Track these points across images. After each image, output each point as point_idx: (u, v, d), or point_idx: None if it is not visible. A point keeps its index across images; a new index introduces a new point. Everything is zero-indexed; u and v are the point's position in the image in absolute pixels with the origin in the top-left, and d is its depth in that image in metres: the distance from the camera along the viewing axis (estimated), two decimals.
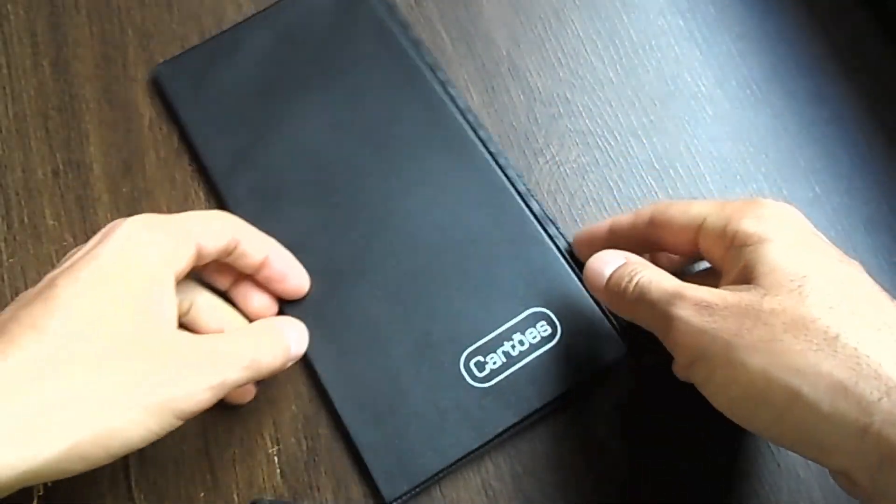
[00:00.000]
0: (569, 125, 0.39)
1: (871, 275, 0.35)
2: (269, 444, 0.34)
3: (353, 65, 0.39)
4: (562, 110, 0.39)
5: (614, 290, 0.29)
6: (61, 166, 0.39)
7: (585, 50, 0.41)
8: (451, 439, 0.32)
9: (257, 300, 0.33)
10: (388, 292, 0.34)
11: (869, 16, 0.40)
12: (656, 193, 0.37)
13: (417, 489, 0.32)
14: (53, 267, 0.37)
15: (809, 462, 0.33)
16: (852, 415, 0.22)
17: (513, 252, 0.34)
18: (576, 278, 0.34)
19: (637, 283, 0.28)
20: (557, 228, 0.35)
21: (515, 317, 0.33)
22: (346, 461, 0.34)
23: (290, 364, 0.31)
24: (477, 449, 0.32)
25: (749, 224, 0.26)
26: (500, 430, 0.32)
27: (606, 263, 0.30)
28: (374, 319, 0.34)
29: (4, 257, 0.38)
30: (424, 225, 0.35)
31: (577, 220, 0.37)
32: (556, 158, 0.38)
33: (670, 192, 0.37)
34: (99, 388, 0.25)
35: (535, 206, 0.35)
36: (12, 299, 0.36)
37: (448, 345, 0.33)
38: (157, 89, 0.40)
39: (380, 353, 0.33)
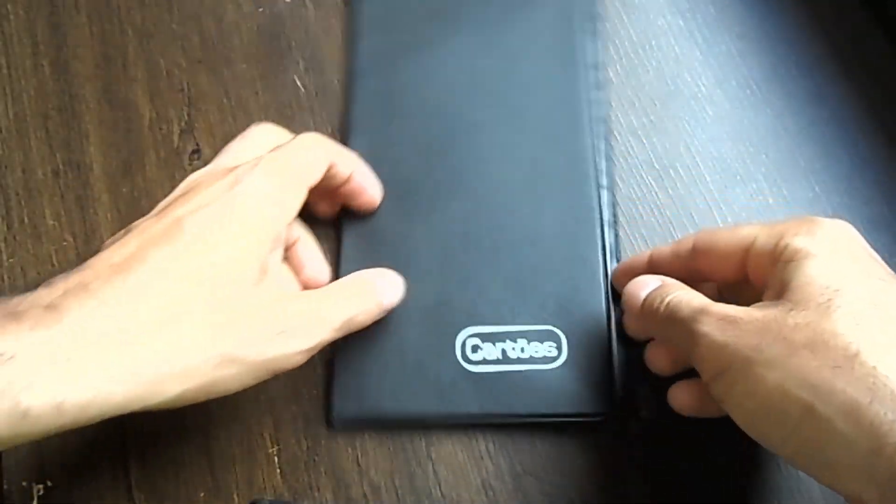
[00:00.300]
0: None
1: None
2: (269, 444, 0.34)
3: (526, 30, 0.39)
4: None
5: (648, 310, 0.29)
6: (61, 166, 0.39)
7: None
8: (414, 395, 0.33)
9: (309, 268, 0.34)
10: (439, 241, 0.35)
11: (869, 16, 0.40)
12: (656, 193, 0.37)
13: (363, 422, 0.33)
14: (53, 267, 0.38)
15: None
16: (864, 434, 0.22)
17: (565, 270, 0.34)
18: (605, 322, 0.33)
19: (668, 303, 0.28)
20: (616, 263, 0.35)
21: (531, 325, 0.33)
22: (346, 461, 0.34)
23: (383, 315, 0.32)
24: (432, 417, 0.33)
25: (800, 240, 0.26)
26: (459, 412, 0.33)
27: (643, 286, 0.30)
28: (412, 254, 0.35)
29: (4, 257, 0.38)
30: (504, 202, 0.36)
31: None
32: None
33: (670, 191, 0.37)
34: (211, 343, 0.26)
35: (610, 239, 0.35)
36: None
37: (458, 314, 0.34)
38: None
39: None
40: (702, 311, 0.26)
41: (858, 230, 0.36)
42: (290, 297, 0.30)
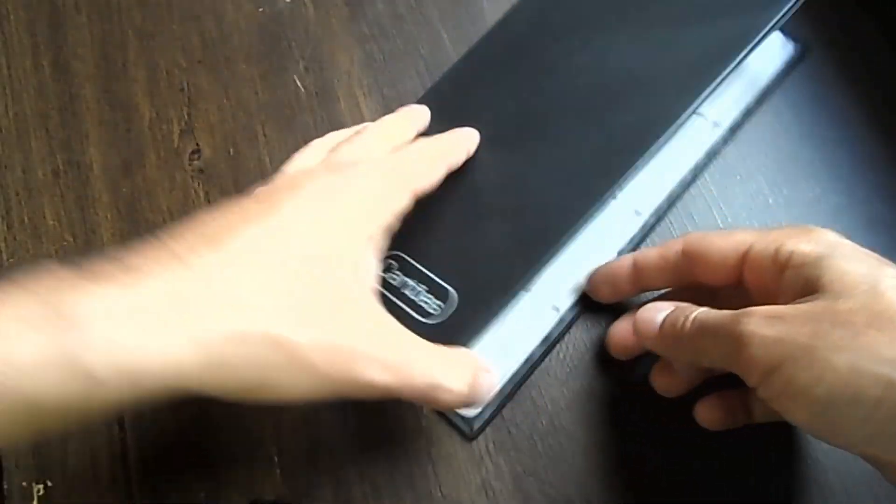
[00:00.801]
0: None
1: None
2: (269, 444, 0.34)
3: (667, 38, 0.36)
4: None
5: (669, 332, 0.29)
6: (61, 166, 0.39)
7: None
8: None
9: None
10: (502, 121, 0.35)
11: (869, 16, 0.40)
12: None
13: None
14: None
15: (810, 461, 0.33)
16: None
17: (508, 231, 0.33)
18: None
19: (694, 319, 0.27)
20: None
21: (436, 275, 0.33)
22: (347, 461, 0.34)
23: (460, 407, 0.30)
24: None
25: (804, 245, 0.26)
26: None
27: (658, 310, 0.30)
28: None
29: (4, 257, 0.38)
30: (585, 76, 0.35)
31: None
32: None
33: None
34: (295, 325, 0.24)
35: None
36: None
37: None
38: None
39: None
40: (743, 314, 0.25)
41: (858, 230, 0.36)
42: (382, 315, 0.27)
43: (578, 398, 0.34)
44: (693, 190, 0.37)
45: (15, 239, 0.38)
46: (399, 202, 0.29)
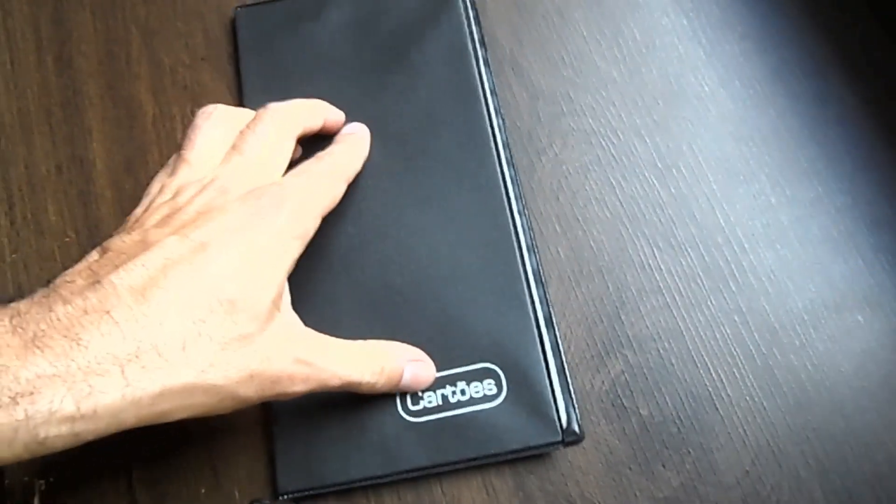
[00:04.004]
0: (572, 124, 0.39)
1: (873, 275, 0.35)
2: (269, 440, 0.34)
3: (418, 67, 0.38)
4: (565, 109, 0.39)
5: None
6: (64, 162, 0.39)
7: (589, 49, 0.41)
8: (359, 459, 0.32)
9: None
10: (362, 296, 0.34)
11: (873, 16, 0.40)
12: (658, 192, 0.37)
13: (311, 492, 0.32)
14: (56, 263, 0.38)
15: (810, 461, 0.33)
16: None
17: (491, 302, 0.34)
18: (539, 350, 0.33)
19: None
20: (545, 293, 0.34)
21: (468, 365, 0.33)
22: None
23: (394, 391, 0.32)
24: (379, 477, 0.32)
25: None
26: (406, 467, 0.32)
27: None
28: (338, 318, 0.33)
29: (7, 253, 0.38)
30: (421, 244, 0.35)
31: (580, 218, 0.37)
32: (559, 157, 0.38)
33: (672, 190, 0.37)
34: (235, 360, 0.26)
35: (533, 264, 0.34)
36: (15, 295, 0.36)
37: None
38: (233, 31, 0.41)
39: None
40: None
41: (861, 230, 0.36)
42: (298, 341, 0.29)
43: (578, 396, 0.34)
44: (695, 190, 0.37)
45: (18, 235, 0.38)
46: (309, 229, 0.31)
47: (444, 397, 0.32)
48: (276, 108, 0.33)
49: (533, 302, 0.34)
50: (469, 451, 0.32)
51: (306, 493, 0.32)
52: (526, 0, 0.42)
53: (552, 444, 0.32)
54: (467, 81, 0.38)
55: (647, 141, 0.38)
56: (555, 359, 0.33)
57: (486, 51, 0.39)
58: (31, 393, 0.22)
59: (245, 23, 0.41)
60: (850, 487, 0.32)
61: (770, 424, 0.33)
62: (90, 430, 0.24)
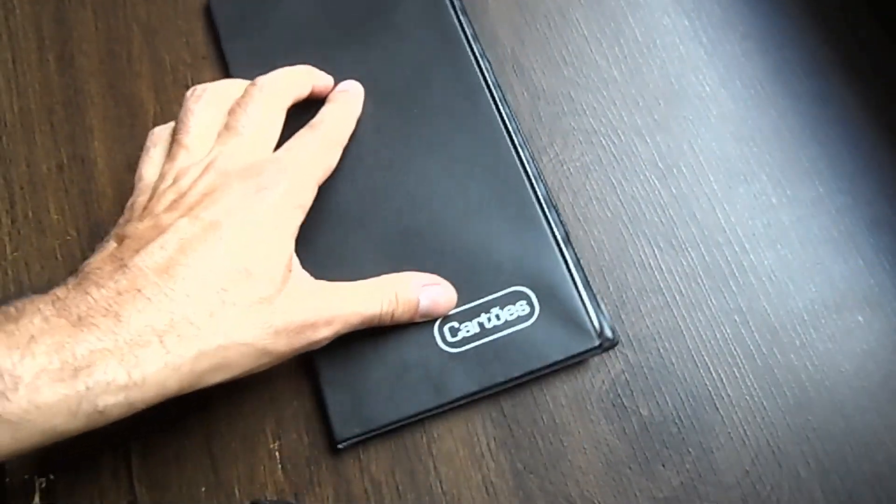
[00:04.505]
0: (573, 123, 0.39)
1: (873, 275, 0.35)
2: (270, 439, 0.34)
3: (397, 22, 0.39)
4: (566, 108, 0.39)
5: None
6: (66, 161, 0.39)
7: (590, 48, 0.41)
8: (410, 394, 0.33)
9: None
10: (383, 245, 0.35)
11: (874, 16, 0.40)
12: (659, 192, 0.37)
13: (368, 434, 0.33)
14: (57, 261, 0.38)
15: (810, 461, 0.33)
16: None
17: (509, 229, 0.35)
18: (563, 265, 0.34)
19: None
20: (558, 215, 0.36)
21: (498, 291, 0.34)
22: (348, 457, 0.34)
23: (426, 318, 0.34)
24: (432, 409, 0.33)
25: None
26: (457, 395, 0.33)
27: None
28: (364, 268, 0.34)
29: (9, 251, 0.38)
30: (431, 188, 0.36)
31: (581, 218, 0.37)
32: (560, 157, 0.38)
33: (673, 190, 0.37)
34: (259, 324, 0.28)
35: (541, 190, 0.36)
36: (16, 293, 0.37)
37: None
38: (209, 19, 0.41)
39: None
40: None
41: (862, 230, 0.36)
42: (314, 292, 0.31)
43: (579, 396, 0.34)
44: (696, 189, 0.37)
45: (19, 233, 0.38)
46: (308, 198, 0.32)
47: (481, 325, 0.33)
48: (263, 83, 0.34)
49: (549, 223, 0.35)
50: (514, 370, 0.33)
51: (363, 436, 0.33)
52: (528, 0, 0.42)
53: (590, 350, 0.33)
54: (448, 31, 0.39)
55: (648, 141, 0.38)
56: (578, 273, 0.34)
57: (462, 1, 0.40)
58: (88, 366, 0.25)
59: (220, 8, 0.41)
60: (850, 487, 0.32)
61: (770, 424, 0.33)
62: (140, 398, 0.26)
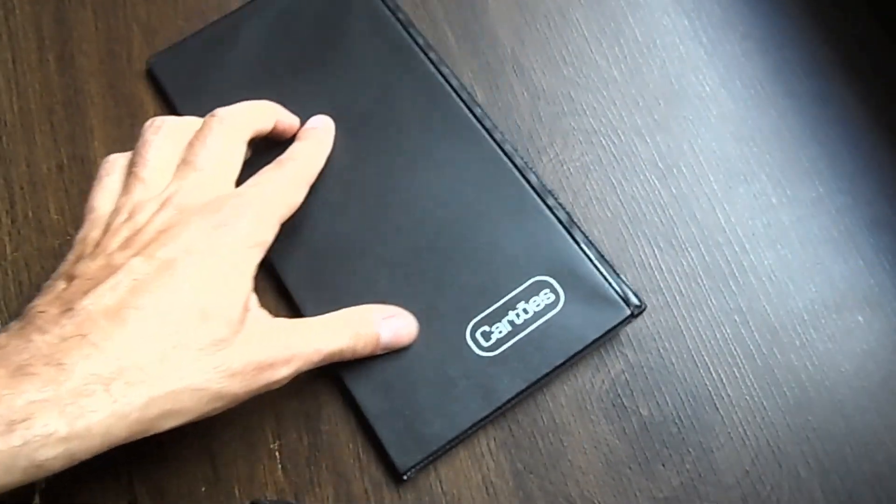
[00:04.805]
0: (573, 123, 0.39)
1: (873, 275, 0.35)
2: (270, 439, 0.34)
3: (347, 50, 0.39)
4: (566, 108, 0.39)
5: None
6: (66, 161, 0.39)
7: (590, 48, 0.41)
8: (461, 407, 0.32)
9: None
10: (393, 267, 0.35)
11: (874, 16, 0.40)
12: (659, 192, 0.37)
13: (430, 458, 0.32)
14: (57, 261, 0.38)
15: (810, 461, 0.33)
16: None
17: (513, 224, 0.35)
18: (574, 246, 0.34)
19: None
20: (556, 199, 0.36)
21: (519, 286, 0.34)
22: (348, 457, 0.34)
23: (387, 350, 0.33)
24: (487, 416, 0.33)
25: None
26: (508, 397, 0.32)
27: None
28: (381, 294, 0.34)
29: (9, 251, 0.38)
30: (426, 201, 0.36)
31: (581, 218, 0.37)
32: (560, 157, 0.38)
33: (673, 190, 0.37)
34: (209, 369, 0.27)
35: (534, 179, 0.36)
36: (16, 294, 0.37)
37: (454, 316, 0.34)
38: (154, 82, 0.40)
39: None
40: None
41: (862, 230, 0.36)
42: (273, 331, 0.30)
43: (578, 396, 0.34)
44: (696, 189, 0.37)
45: (19, 233, 0.38)
46: (269, 236, 0.31)
47: (511, 322, 0.33)
48: (223, 115, 0.33)
49: (550, 208, 0.35)
50: (557, 358, 0.33)
51: (426, 461, 0.32)
52: (528, 0, 0.42)
53: (624, 320, 0.33)
54: (401, 45, 0.39)
55: (648, 140, 0.38)
56: (591, 250, 0.34)
57: (405, 14, 0.40)
58: (26, 419, 0.23)
59: (164, 69, 0.40)
60: (850, 487, 0.32)
61: (770, 424, 0.33)
62: (84, 448, 0.25)
